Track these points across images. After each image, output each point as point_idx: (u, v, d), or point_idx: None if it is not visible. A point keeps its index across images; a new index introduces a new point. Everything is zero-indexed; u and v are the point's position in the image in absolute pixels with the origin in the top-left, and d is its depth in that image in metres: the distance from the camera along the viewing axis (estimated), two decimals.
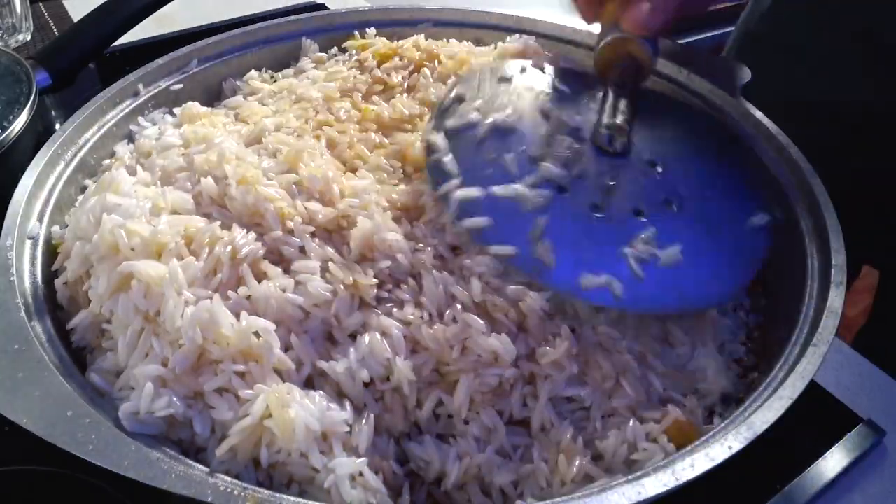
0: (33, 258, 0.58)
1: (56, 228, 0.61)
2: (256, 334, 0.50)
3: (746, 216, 0.59)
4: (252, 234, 0.55)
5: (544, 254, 0.53)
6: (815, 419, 0.60)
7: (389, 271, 0.55)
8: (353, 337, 0.53)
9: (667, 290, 0.53)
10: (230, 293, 0.52)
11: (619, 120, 0.60)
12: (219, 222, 0.56)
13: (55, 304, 0.57)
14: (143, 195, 0.59)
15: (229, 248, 0.53)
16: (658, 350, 0.55)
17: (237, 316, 0.50)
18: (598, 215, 0.56)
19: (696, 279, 0.54)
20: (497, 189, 0.55)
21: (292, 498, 0.44)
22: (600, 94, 0.64)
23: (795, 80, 0.86)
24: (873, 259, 0.91)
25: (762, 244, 0.58)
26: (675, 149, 0.63)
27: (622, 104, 0.61)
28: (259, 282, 0.53)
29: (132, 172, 0.65)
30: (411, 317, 0.53)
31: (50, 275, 0.58)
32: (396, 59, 0.75)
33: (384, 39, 0.80)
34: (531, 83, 0.66)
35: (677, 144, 0.64)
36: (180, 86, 0.78)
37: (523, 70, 0.68)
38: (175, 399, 0.48)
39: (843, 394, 0.63)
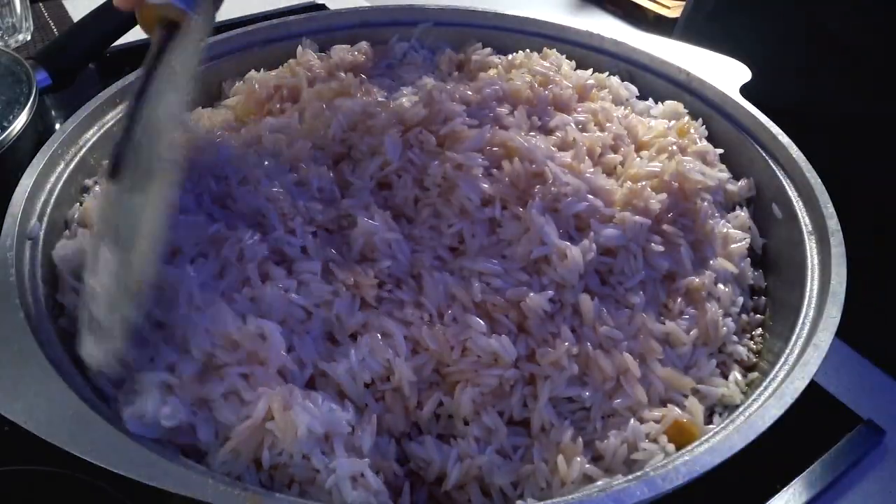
0: (33, 258, 0.57)
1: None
2: (262, 336, 0.50)
3: None
4: (257, 235, 0.55)
5: None
6: (815, 419, 0.60)
7: (389, 271, 0.55)
8: (353, 337, 0.53)
9: None
10: (235, 294, 0.52)
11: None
12: (223, 223, 0.56)
13: (55, 304, 0.57)
14: None
15: (237, 248, 0.53)
16: (659, 350, 0.55)
17: (243, 318, 0.50)
18: None
19: None
20: None
21: (292, 498, 0.44)
22: None
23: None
24: (868, 251, 0.91)
25: None
26: None
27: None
28: (262, 282, 0.53)
29: None
30: (412, 317, 0.53)
31: (50, 275, 0.58)
32: None
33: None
34: None
35: None
36: None
37: None
38: (180, 406, 0.48)
39: (843, 394, 0.63)
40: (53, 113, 0.92)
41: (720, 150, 0.71)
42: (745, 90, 0.75)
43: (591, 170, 0.62)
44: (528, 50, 0.80)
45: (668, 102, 0.77)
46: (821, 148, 0.67)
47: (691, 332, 0.57)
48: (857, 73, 0.82)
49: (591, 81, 0.75)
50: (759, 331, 0.62)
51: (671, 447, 0.49)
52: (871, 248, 0.85)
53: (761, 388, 0.51)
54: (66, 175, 0.65)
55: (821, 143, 0.68)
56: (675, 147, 0.67)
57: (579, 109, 0.70)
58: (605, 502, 0.43)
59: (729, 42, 0.87)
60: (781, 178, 0.67)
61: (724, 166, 0.71)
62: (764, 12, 0.87)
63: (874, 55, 0.79)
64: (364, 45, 0.82)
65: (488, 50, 0.82)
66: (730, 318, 0.60)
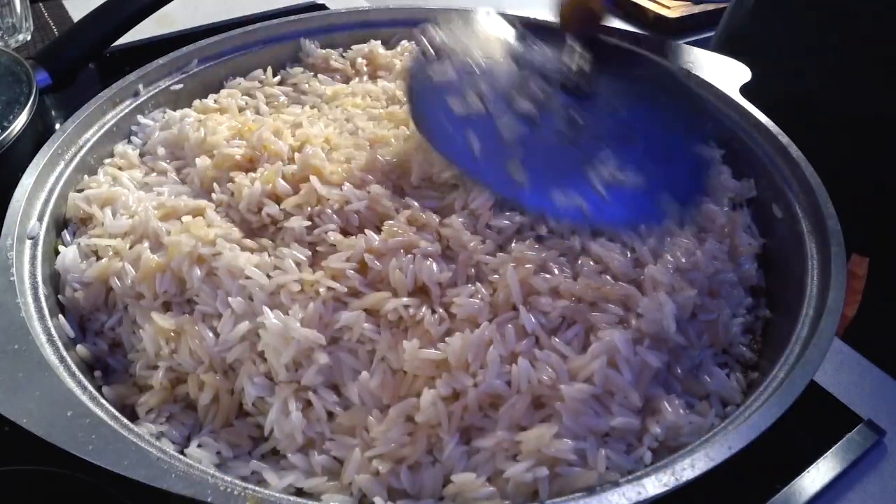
0: (33, 258, 0.57)
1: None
2: None
3: (692, 147, 0.64)
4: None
5: (516, 173, 0.56)
6: (815, 419, 0.60)
7: None
8: None
9: (628, 208, 0.58)
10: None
11: (583, 65, 0.66)
12: None
13: (55, 304, 0.57)
14: None
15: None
16: (681, 355, 0.55)
17: None
18: (566, 145, 0.61)
19: (653, 198, 0.58)
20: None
21: (292, 498, 0.44)
22: (563, 45, 0.68)
23: (780, 78, 0.87)
24: (869, 252, 0.91)
25: (705, 171, 0.64)
26: (631, 91, 0.69)
27: (582, 51, 0.67)
28: None
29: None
30: None
31: (50, 275, 0.58)
32: None
33: None
34: (498, 31, 0.71)
35: (632, 87, 0.70)
36: (180, 86, 0.78)
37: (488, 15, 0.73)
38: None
39: (843, 394, 0.63)
40: (53, 113, 0.92)
41: (721, 151, 0.71)
42: (746, 90, 0.75)
43: None
44: None
45: None
46: (821, 148, 0.67)
47: (703, 335, 0.57)
48: (861, 70, 0.82)
49: None
50: (760, 330, 0.62)
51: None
52: (871, 248, 0.85)
53: (761, 388, 0.51)
54: (66, 175, 0.65)
55: (821, 143, 0.68)
56: None
57: None
58: (605, 502, 0.43)
59: (767, 43, 0.87)
60: (781, 178, 0.67)
61: (724, 167, 0.71)
62: (803, 14, 0.87)
63: (880, 51, 0.79)
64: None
65: None
66: (738, 319, 0.60)
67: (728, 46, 0.98)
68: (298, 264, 0.55)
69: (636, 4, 1.32)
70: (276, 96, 0.78)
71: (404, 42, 0.86)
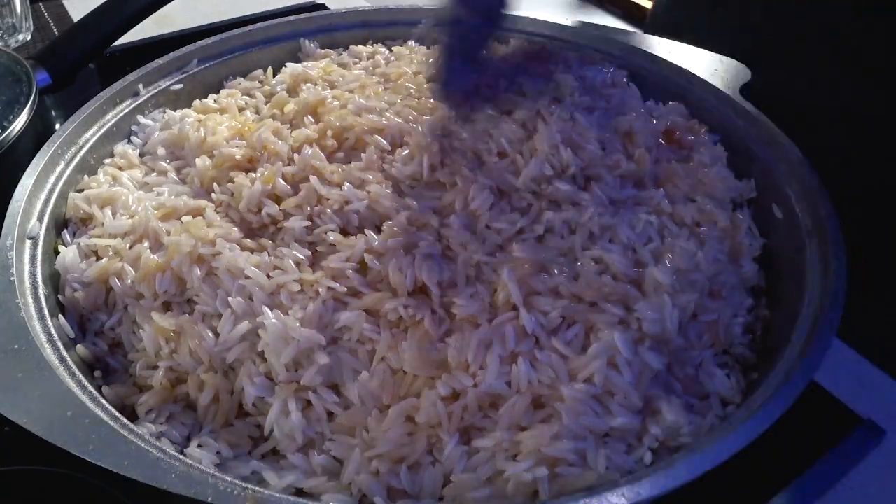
0: (33, 258, 0.57)
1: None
2: None
3: None
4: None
5: None
6: (815, 419, 0.60)
7: None
8: None
9: None
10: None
11: None
12: None
13: (55, 304, 0.57)
14: None
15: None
16: (681, 355, 0.55)
17: None
18: None
19: None
20: None
21: (292, 498, 0.44)
22: None
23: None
24: (870, 255, 0.91)
25: None
26: None
27: None
28: None
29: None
30: None
31: (50, 275, 0.58)
32: None
33: None
34: None
35: None
36: (180, 86, 0.78)
37: None
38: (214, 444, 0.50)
39: (843, 394, 0.63)
40: (53, 113, 0.92)
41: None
42: (746, 90, 0.75)
43: None
44: None
45: (669, 103, 0.77)
46: (822, 148, 0.67)
47: (704, 336, 0.57)
48: (860, 70, 0.82)
49: None
50: (760, 330, 0.62)
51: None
52: (871, 248, 0.85)
53: (761, 388, 0.51)
54: (66, 175, 0.65)
55: (822, 142, 0.68)
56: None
57: None
58: (605, 502, 0.43)
59: (717, 35, 0.87)
60: (781, 178, 0.67)
61: (726, 168, 0.71)
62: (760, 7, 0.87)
63: (877, 51, 0.79)
64: None
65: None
66: (739, 319, 0.60)
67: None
68: (298, 264, 0.55)
69: (636, 4, 1.33)
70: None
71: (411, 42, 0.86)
